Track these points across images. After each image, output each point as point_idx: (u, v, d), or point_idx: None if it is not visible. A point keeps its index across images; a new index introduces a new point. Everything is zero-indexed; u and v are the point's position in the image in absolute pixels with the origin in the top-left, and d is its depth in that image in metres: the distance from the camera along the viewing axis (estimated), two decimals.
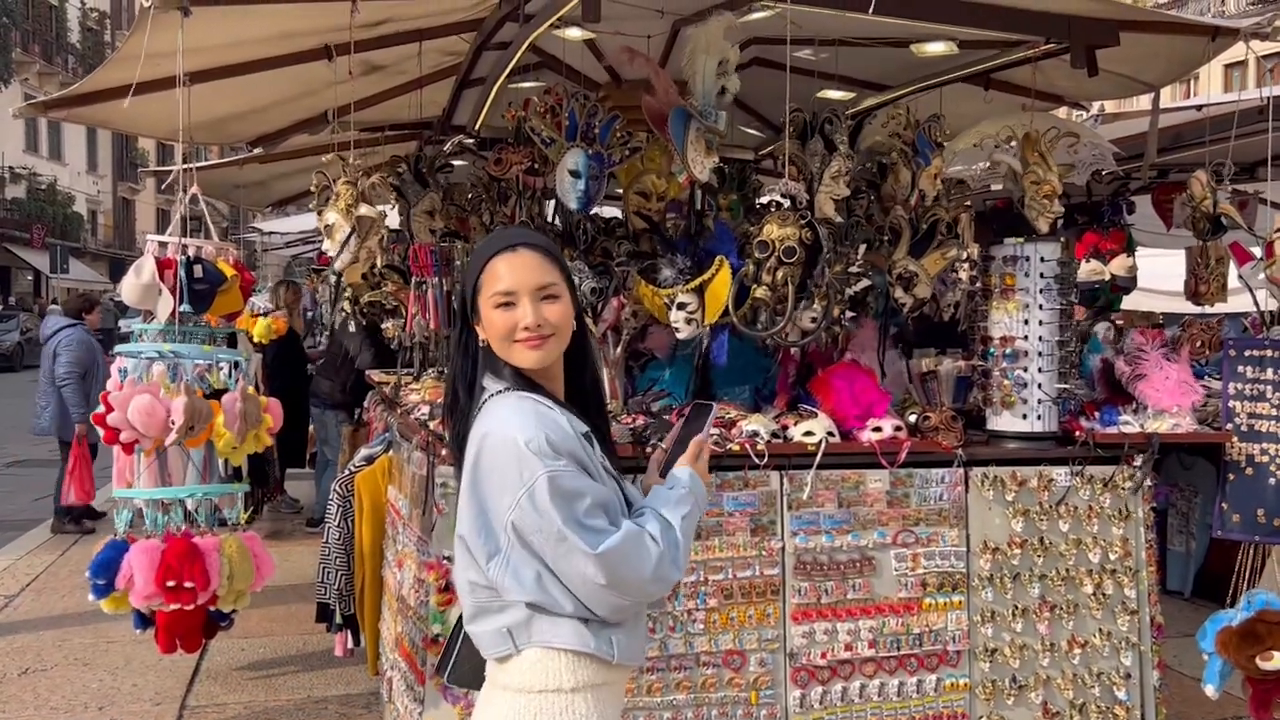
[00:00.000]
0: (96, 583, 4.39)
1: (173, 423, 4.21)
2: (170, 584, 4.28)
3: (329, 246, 4.21)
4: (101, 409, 4.26)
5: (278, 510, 9.17)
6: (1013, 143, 4.19)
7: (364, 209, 4.10)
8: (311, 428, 9.08)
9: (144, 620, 4.60)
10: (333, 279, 10.16)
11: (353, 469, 5.13)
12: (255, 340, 8.41)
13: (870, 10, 3.32)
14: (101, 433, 4.30)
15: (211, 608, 4.53)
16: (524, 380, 2.06)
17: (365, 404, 7.36)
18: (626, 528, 1.96)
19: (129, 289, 4.40)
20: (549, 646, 1.97)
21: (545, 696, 1.96)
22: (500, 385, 2.06)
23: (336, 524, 5.00)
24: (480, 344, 2.09)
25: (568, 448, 1.95)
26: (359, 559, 4.85)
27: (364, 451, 5.29)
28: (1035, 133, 4.15)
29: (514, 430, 1.95)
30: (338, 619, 5.03)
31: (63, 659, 5.59)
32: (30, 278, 39.86)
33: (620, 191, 4.58)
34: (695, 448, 2.19)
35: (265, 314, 8.73)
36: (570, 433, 1.99)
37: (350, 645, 5.01)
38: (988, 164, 4.12)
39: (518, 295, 2.02)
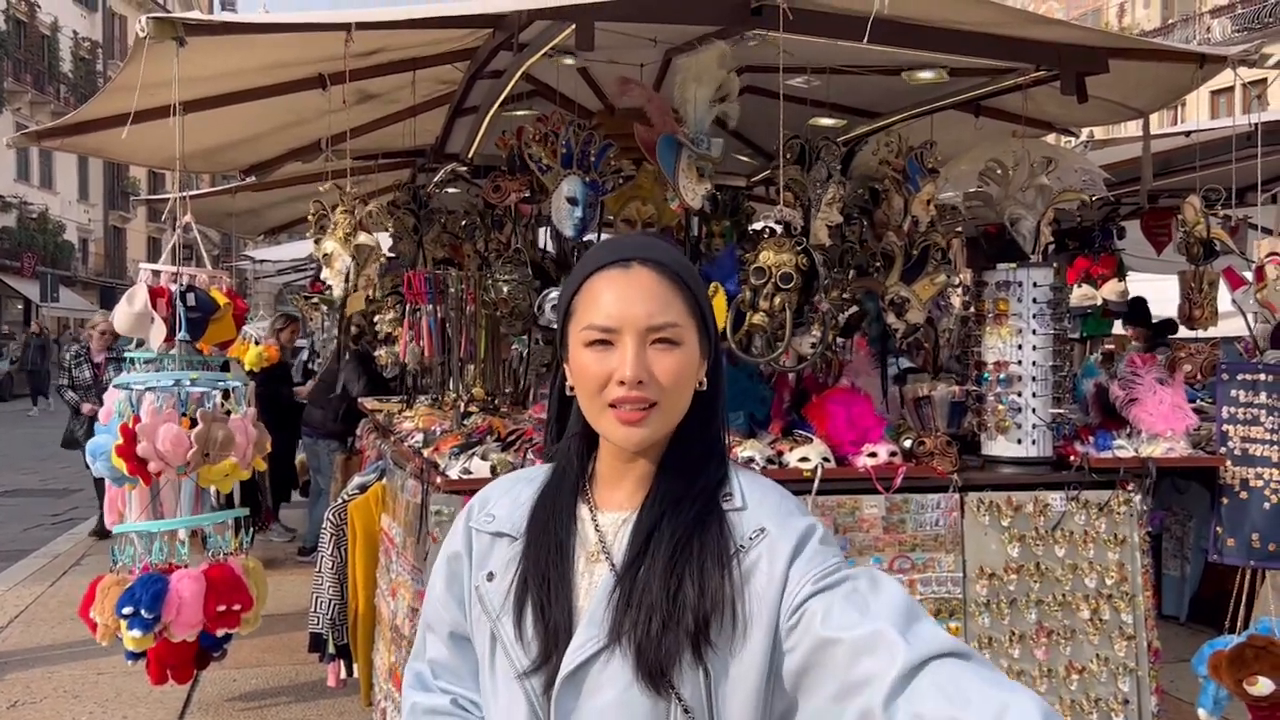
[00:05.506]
0: (147, 617, 4.20)
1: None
2: (221, 609, 4.32)
3: (327, 275, 4.21)
4: (121, 440, 4.14)
5: (269, 539, 9.12)
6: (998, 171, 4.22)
7: (362, 237, 4.11)
8: (302, 457, 9.04)
9: (135, 652, 4.55)
10: (325, 308, 10.16)
11: (346, 497, 5.11)
12: (246, 368, 8.41)
13: (863, 40, 3.35)
14: (125, 465, 4.15)
15: (217, 633, 4.50)
16: (577, 457, 1.51)
17: (358, 431, 7.35)
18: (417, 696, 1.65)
19: (121, 317, 4.40)
20: None
21: None
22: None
23: (329, 553, 4.96)
24: (569, 390, 1.47)
25: (467, 548, 1.54)
26: (352, 588, 4.81)
27: (357, 479, 5.27)
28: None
29: (468, 506, 1.59)
30: (330, 649, 4.98)
31: (52, 691, 5.53)
32: (20, 307, 39.77)
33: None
34: None
35: (258, 341, 8.73)
36: (464, 548, 1.54)
37: (343, 676, 4.96)
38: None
39: (619, 334, 1.38)
